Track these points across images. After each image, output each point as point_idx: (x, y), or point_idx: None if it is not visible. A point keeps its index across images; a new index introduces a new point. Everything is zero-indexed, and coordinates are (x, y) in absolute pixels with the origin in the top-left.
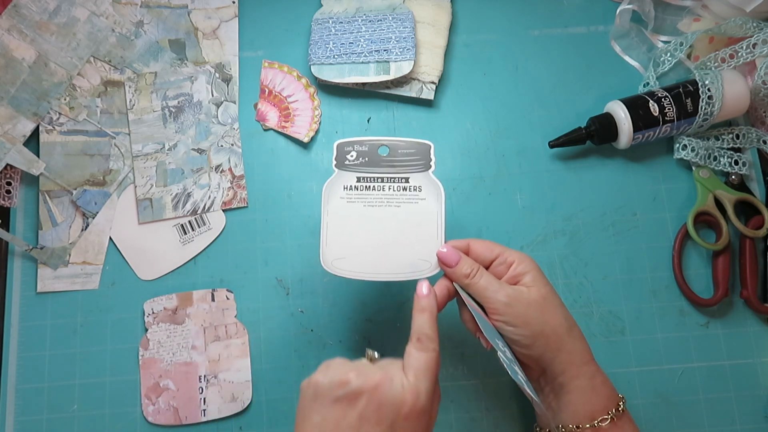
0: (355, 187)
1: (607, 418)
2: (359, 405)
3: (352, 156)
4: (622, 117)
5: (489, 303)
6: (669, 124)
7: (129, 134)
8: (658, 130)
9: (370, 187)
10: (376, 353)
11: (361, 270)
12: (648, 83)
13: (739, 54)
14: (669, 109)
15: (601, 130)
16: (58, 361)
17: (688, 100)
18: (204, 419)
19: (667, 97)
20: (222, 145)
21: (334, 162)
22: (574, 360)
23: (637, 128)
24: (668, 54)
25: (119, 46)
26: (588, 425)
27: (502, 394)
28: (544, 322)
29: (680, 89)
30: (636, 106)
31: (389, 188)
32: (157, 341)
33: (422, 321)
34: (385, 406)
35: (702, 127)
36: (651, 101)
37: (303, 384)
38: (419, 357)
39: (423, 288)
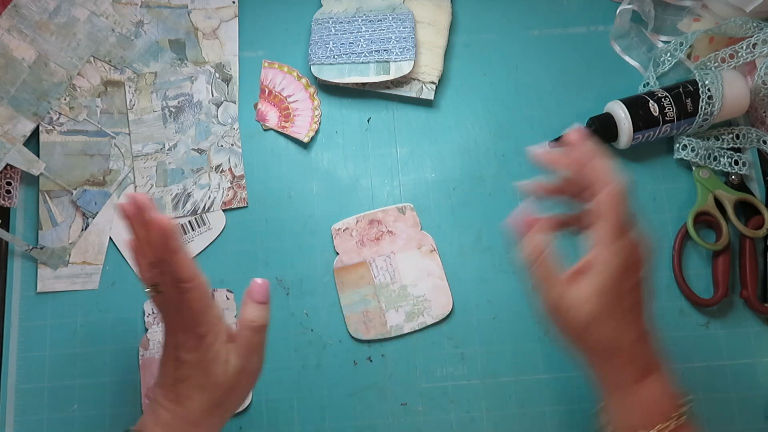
0: None
1: None
2: None
3: None
4: (622, 117)
5: (539, 292)
6: (669, 124)
7: (129, 134)
8: (658, 131)
9: None
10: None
11: None
12: (648, 83)
13: (739, 54)
14: (669, 109)
15: (602, 130)
16: (58, 361)
17: (688, 100)
18: None
19: (667, 97)
20: (222, 145)
21: None
22: (606, 382)
23: (637, 128)
24: (668, 54)
25: (119, 46)
26: None
27: (502, 394)
28: (581, 340)
29: (680, 89)
30: (636, 106)
31: None
32: (157, 341)
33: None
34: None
35: (702, 127)
36: (651, 101)
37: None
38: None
39: None
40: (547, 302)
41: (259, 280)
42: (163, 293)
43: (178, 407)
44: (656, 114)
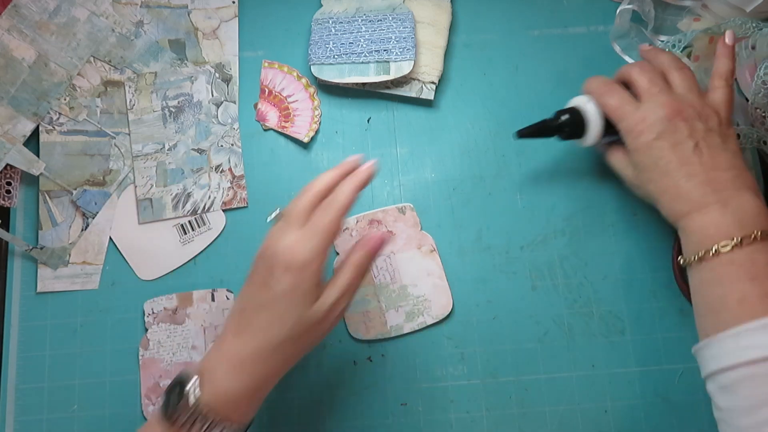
0: None
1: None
2: (257, 263)
3: None
4: (593, 112)
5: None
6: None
7: (129, 134)
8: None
9: None
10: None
11: None
12: None
13: (740, 55)
14: None
15: (572, 124)
16: (58, 361)
17: None
18: None
19: None
20: (222, 145)
21: None
22: (667, 217)
23: (608, 129)
24: (666, 50)
25: (119, 46)
26: (683, 261)
27: (502, 394)
28: (641, 193)
29: None
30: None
31: None
32: (157, 341)
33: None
34: (268, 255)
35: None
36: None
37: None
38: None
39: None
40: (620, 175)
41: (382, 234)
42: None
43: (248, 335)
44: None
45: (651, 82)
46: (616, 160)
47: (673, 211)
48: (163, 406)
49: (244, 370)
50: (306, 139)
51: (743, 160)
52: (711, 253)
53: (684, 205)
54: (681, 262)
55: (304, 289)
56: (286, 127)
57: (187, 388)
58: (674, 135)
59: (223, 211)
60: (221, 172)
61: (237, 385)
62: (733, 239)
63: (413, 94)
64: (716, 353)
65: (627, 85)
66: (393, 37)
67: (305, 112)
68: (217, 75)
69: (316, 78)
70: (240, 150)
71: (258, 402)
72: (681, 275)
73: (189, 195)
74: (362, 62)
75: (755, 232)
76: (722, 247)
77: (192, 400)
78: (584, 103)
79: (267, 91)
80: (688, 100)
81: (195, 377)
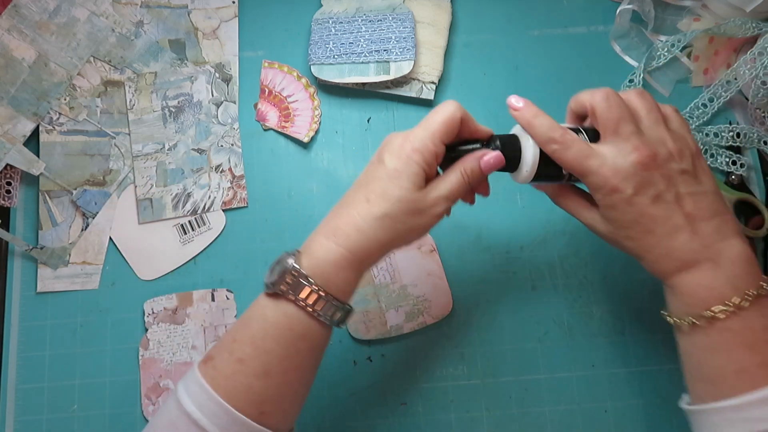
0: None
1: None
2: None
3: None
4: (530, 149)
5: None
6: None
7: (129, 134)
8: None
9: None
10: None
11: None
12: (633, 80)
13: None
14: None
15: (505, 151)
16: (58, 361)
17: None
18: None
19: None
20: (222, 145)
21: None
22: (652, 274)
23: (539, 173)
24: (665, 50)
25: (119, 46)
26: (672, 321)
27: (502, 394)
28: (618, 247)
29: None
30: (546, 164)
31: None
32: (157, 341)
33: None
34: (388, 140)
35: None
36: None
37: None
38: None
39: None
40: (585, 225)
41: (497, 155)
42: None
43: (347, 208)
44: (565, 173)
45: (621, 120)
46: (585, 215)
47: (659, 269)
48: (265, 281)
49: (338, 238)
50: (306, 139)
51: (721, 195)
52: (705, 319)
53: (671, 263)
54: (669, 320)
55: (410, 173)
56: (286, 127)
57: (288, 261)
58: (653, 187)
59: (223, 211)
60: (221, 172)
61: (330, 255)
62: (727, 305)
63: (413, 94)
64: (717, 422)
65: (581, 116)
66: (393, 37)
67: (305, 112)
68: (217, 75)
69: (316, 78)
70: (240, 150)
71: (351, 279)
72: None
73: (189, 195)
74: (362, 62)
75: (749, 293)
76: (718, 313)
77: (289, 266)
78: (524, 136)
79: (267, 91)
80: (658, 137)
81: (294, 251)
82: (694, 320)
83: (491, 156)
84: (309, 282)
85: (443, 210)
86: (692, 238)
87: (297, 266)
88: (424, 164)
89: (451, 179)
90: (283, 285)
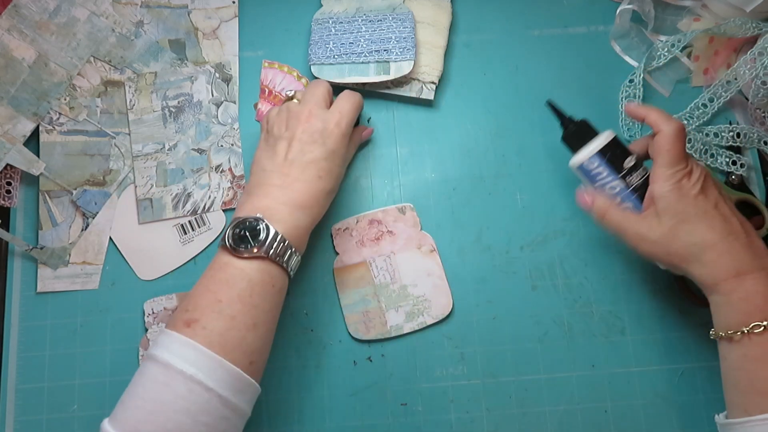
0: None
1: (739, 333)
2: (298, 129)
3: None
4: (601, 137)
5: (620, 238)
6: (620, 183)
7: (129, 134)
8: (608, 177)
9: None
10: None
11: None
12: (633, 80)
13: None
14: (636, 178)
15: (575, 132)
16: (58, 361)
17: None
18: None
19: (645, 172)
20: (222, 145)
21: None
22: (704, 284)
23: (601, 155)
24: (665, 50)
25: (119, 46)
26: (722, 334)
27: (502, 394)
28: (669, 254)
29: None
30: (617, 146)
31: None
32: None
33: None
34: (315, 123)
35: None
36: (632, 156)
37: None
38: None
39: None
40: (631, 240)
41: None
42: None
43: (307, 185)
44: (626, 166)
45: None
46: (635, 226)
47: (715, 272)
48: (239, 247)
49: (304, 210)
50: None
51: None
52: (761, 328)
53: (730, 265)
54: (714, 334)
55: (343, 153)
56: None
57: (263, 227)
58: (715, 195)
59: (223, 211)
60: (221, 172)
61: (301, 223)
62: None
63: (413, 94)
64: None
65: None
66: (393, 37)
67: None
68: (217, 75)
69: (316, 78)
70: (240, 150)
71: (307, 238)
72: (681, 275)
73: (189, 195)
74: (362, 62)
75: None
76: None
77: (273, 232)
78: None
79: (267, 90)
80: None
81: (258, 217)
82: (747, 329)
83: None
84: (292, 249)
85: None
86: (748, 247)
87: (284, 236)
88: (347, 137)
89: (351, 152)
90: (269, 249)
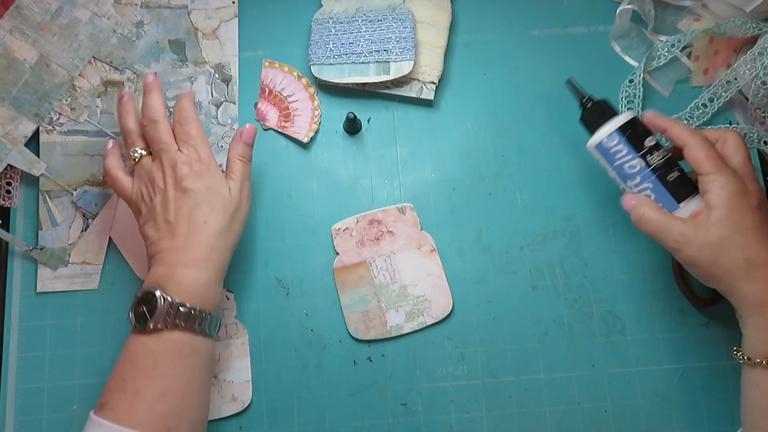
0: None
1: None
2: (151, 186)
3: None
4: (619, 117)
5: (659, 240)
6: (641, 161)
7: None
8: (627, 156)
9: None
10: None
11: None
12: (633, 80)
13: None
14: (657, 158)
15: (593, 109)
16: (58, 361)
17: (673, 174)
18: None
19: (668, 155)
20: (222, 146)
21: None
22: (748, 302)
23: (621, 132)
24: (665, 50)
25: (121, 47)
26: (759, 360)
27: (502, 394)
28: (715, 263)
29: (677, 170)
30: (638, 124)
31: None
32: None
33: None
34: (173, 173)
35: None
36: (651, 137)
37: None
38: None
39: None
40: (669, 241)
41: (249, 126)
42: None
43: (196, 237)
44: (646, 145)
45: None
46: (678, 228)
47: (763, 291)
48: (136, 324)
49: (200, 264)
50: (305, 140)
51: None
52: None
53: None
54: (745, 357)
55: (219, 181)
56: (285, 127)
57: (155, 298)
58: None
59: None
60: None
61: (200, 279)
62: None
63: (413, 94)
64: None
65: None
66: (393, 37)
67: (305, 112)
68: (216, 76)
69: (316, 78)
70: None
71: (219, 290)
72: (681, 275)
73: None
74: (362, 62)
75: None
76: None
77: (167, 300)
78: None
79: (267, 90)
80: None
81: (156, 289)
82: (750, 359)
83: (246, 129)
84: (189, 308)
85: (249, 191)
86: None
87: (177, 300)
88: (219, 168)
89: (237, 168)
90: (165, 319)
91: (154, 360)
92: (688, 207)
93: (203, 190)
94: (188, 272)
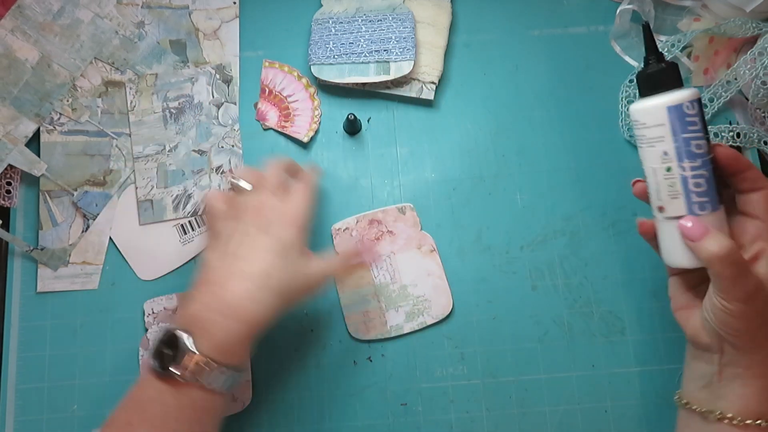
0: None
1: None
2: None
3: None
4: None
5: (730, 283)
6: (706, 145)
7: (130, 135)
8: (700, 132)
9: None
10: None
11: None
12: (632, 80)
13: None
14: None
15: (664, 73)
16: (58, 361)
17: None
18: None
19: (723, 134)
20: (222, 146)
21: None
22: (753, 365)
23: (699, 103)
24: (665, 50)
25: (122, 48)
26: (750, 422)
27: (502, 394)
28: (747, 317)
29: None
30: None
31: None
32: None
33: None
34: (266, 212)
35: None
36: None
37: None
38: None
39: None
40: (738, 293)
41: (377, 255)
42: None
43: (259, 283)
44: (709, 130)
45: None
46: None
47: None
48: (157, 367)
49: (239, 319)
50: (305, 139)
51: None
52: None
53: None
54: (691, 406)
55: (302, 243)
56: (285, 127)
57: (182, 345)
58: None
59: None
60: (222, 173)
61: (232, 334)
62: None
63: (413, 94)
64: None
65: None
66: (393, 37)
67: (305, 112)
68: (217, 76)
69: (316, 78)
70: (240, 151)
71: (249, 347)
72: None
73: (190, 196)
74: (362, 62)
75: None
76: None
77: (192, 351)
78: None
79: (267, 90)
80: None
81: (186, 335)
82: (741, 419)
83: (373, 253)
84: (217, 366)
85: (324, 284)
86: None
87: (203, 353)
88: (306, 238)
89: (333, 260)
90: (188, 372)
91: (165, 413)
92: (721, 216)
93: (291, 239)
94: (225, 323)
